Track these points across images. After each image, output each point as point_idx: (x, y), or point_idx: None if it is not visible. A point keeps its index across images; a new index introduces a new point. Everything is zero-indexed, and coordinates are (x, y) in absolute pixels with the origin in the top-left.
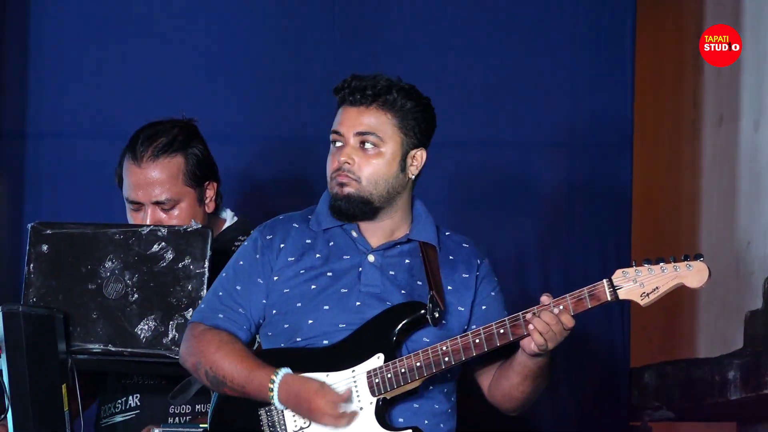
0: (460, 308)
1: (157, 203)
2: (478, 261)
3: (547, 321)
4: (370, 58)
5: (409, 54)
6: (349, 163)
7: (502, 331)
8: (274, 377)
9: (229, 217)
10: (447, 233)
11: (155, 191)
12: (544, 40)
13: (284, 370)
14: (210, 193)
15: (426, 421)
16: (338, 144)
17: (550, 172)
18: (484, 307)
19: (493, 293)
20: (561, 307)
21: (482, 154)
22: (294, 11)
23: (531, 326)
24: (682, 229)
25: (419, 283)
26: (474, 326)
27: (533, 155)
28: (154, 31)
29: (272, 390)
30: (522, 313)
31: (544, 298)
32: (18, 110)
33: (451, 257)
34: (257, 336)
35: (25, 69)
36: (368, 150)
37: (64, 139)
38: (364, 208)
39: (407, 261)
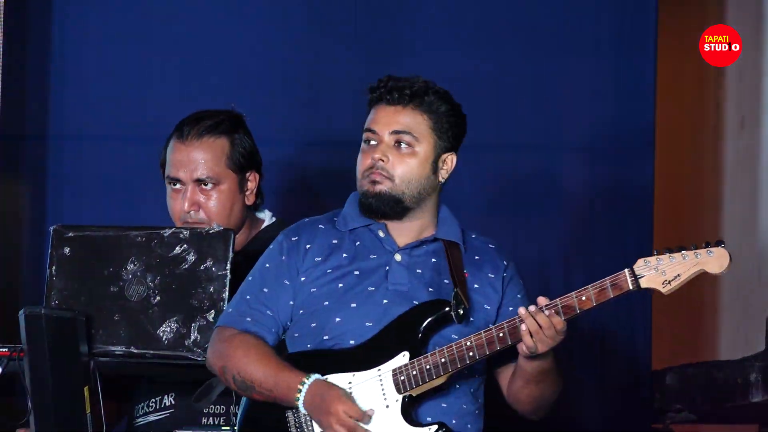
0: (486, 306)
1: (198, 181)
2: (505, 263)
3: (540, 322)
4: (393, 62)
5: (431, 59)
6: (383, 161)
7: (524, 327)
8: (306, 380)
9: (267, 218)
10: (473, 235)
11: (197, 169)
12: (566, 44)
13: (315, 376)
14: (251, 185)
15: (454, 421)
16: (372, 142)
17: (572, 176)
18: (511, 308)
19: (519, 296)
20: (552, 310)
21: (505, 157)
22: (318, 16)
23: (523, 327)
24: (704, 232)
25: (446, 281)
26: None
27: (556, 159)
28: (176, 34)
29: (300, 392)
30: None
31: (540, 299)
32: (40, 113)
33: (477, 257)
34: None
35: (47, 71)
36: (403, 149)
37: (85, 141)
38: (395, 207)
39: (434, 260)
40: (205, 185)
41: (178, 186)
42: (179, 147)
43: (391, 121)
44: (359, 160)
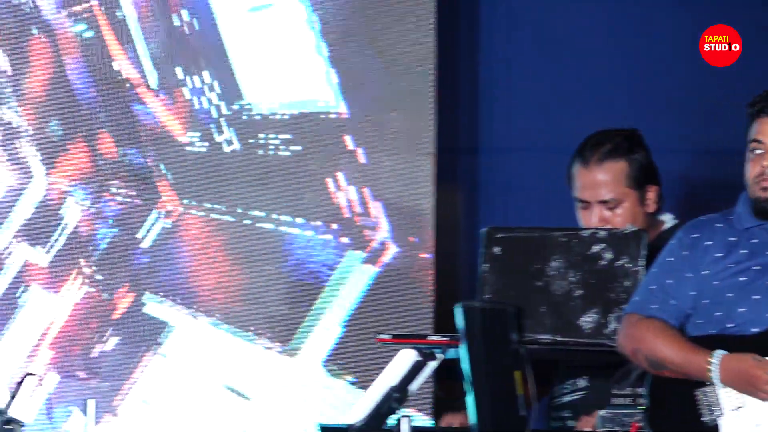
0: None
1: (602, 202)
2: None
3: None
4: None
5: None
6: None
7: None
8: (711, 359)
9: (668, 220)
10: None
11: (600, 191)
12: None
13: (720, 352)
14: (651, 195)
15: None
16: (757, 151)
17: None
18: None
19: None
20: None
21: None
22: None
23: None
24: None
25: None
26: None
27: None
28: (597, 45)
29: (710, 371)
30: None
31: None
32: (471, 127)
33: None
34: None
35: (476, 88)
36: None
37: (514, 153)
38: None
39: None
40: (609, 205)
41: (585, 205)
42: (583, 172)
43: None
44: (748, 168)
